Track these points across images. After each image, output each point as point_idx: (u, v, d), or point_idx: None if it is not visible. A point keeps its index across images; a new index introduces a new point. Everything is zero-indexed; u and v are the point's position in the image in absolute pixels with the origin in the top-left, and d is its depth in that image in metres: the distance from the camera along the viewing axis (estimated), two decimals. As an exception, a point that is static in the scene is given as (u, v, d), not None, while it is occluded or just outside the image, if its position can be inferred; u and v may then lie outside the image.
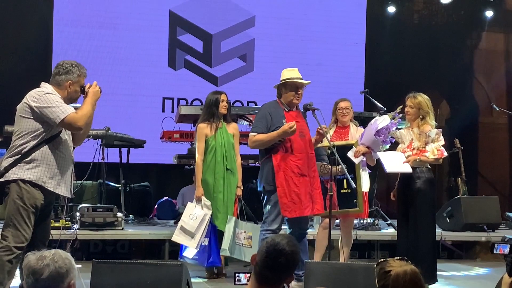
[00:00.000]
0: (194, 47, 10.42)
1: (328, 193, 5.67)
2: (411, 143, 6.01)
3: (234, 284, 2.98)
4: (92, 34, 9.84)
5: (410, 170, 5.90)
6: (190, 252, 6.27)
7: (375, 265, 2.57)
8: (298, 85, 5.70)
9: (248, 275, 3.07)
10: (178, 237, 6.26)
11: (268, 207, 5.67)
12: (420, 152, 5.95)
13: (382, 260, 2.58)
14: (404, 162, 5.91)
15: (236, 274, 3.04)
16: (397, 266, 2.49)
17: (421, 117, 6.00)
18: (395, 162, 5.94)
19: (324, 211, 5.92)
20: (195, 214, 6.19)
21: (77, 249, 7.20)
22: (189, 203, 6.39)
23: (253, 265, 2.74)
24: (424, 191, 5.94)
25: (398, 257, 2.60)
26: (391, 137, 6.07)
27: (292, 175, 5.58)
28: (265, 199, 5.74)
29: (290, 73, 5.73)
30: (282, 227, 5.88)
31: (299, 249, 2.80)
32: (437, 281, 6.07)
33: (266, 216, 5.71)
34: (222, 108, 6.31)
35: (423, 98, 6.05)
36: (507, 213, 8.99)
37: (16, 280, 5.86)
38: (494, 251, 3.67)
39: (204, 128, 6.29)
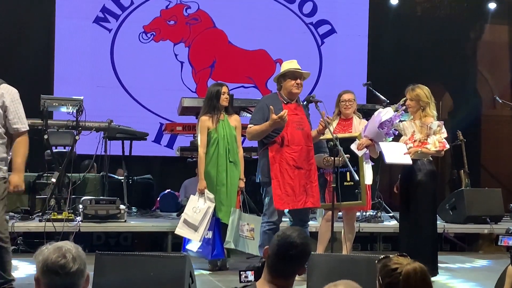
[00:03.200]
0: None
1: (331, 185, 5.67)
2: (413, 135, 6.00)
3: (240, 281, 2.95)
4: (94, 27, 9.83)
5: (410, 161, 5.89)
6: (194, 245, 6.26)
7: (376, 262, 2.55)
8: (296, 75, 5.71)
9: (253, 271, 3.06)
10: (181, 230, 6.25)
11: (267, 199, 5.70)
12: (422, 144, 5.95)
13: (383, 256, 2.56)
14: (405, 154, 5.91)
15: (241, 272, 3.01)
16: (404, 263, 2.47)
17: (422, 108, 6.00)
18: (396, 154, 5.93)
19: (320, 205, 5.94)
20: (198, 207, 6.18)
21: (80, 241, 7.21)
22: (192, 196, 6.38)
23: (265, 258, 2.76)
24: (425, 183, 5.94)
25: (398, 253, 2.58)
26: (394, 129, 6.07)
27: (287, 167, 5.60)
28: (264, 191, 5.76)
29: (289, 65, 5.78)
30: (284, 219, 5.90)
31: (310, 240, 2.84)
32: (438, 273, 6.09)
33: (266, 208, 5.74)
34: (223, 101, 6.28)
35: (421, 89, 6.04)
36: (511, 204, 8.97)
37: (21, 271, 5.89)
38: (499, 243, 3.66)
39: (206, 121, 6.27)
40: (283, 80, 5.75)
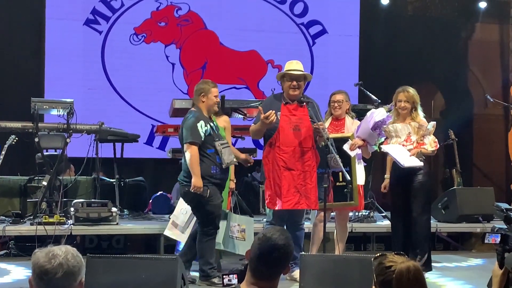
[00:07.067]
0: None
1: (323, 185, 5.66)
2: (409, 137, 6.01)
3: (223, 285, 2.91)
4: (84, 29, 9.79)
5: (421, 163, 5.93)
6: (181, 246, 6.25)
7: (372, 259, 2.53)
8: (292, 77, 5.71)
9: (237, 274, 3.02)
10: (169, 231, 6.26)
11: None
12: (419, 145, 5.98)
13: (380, 254, 2.54)
14: (410, 156, 5.94)
15: (224, 276, 2.97)
16: (399, 261, 2.46)
17: (414, 109, 6.05)
18: (405, 156, 5.94)
19: (317, 207, 5.92)
20: (185, 209, 6.16)
21: (75, 245, 7.17)
22: (181, 197, 6.36)
23: (247, 261, 2.71)
24: (426, 183, 6.11)
25: (395, 252, 2.57)
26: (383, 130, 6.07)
27: (277, 168, 5.63)
28: None
29: (288, 66, 5.81)
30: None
31: (291, 240, 2.76)
32: (431, 269, 6.14)
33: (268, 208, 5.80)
34: None
35: (413, 90, 6.13)
36: (496, 203, 8.96)
37: (12, 275, 5.85)
38: (486, 241, 3.66)
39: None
40: (283, 81, 5.81)
